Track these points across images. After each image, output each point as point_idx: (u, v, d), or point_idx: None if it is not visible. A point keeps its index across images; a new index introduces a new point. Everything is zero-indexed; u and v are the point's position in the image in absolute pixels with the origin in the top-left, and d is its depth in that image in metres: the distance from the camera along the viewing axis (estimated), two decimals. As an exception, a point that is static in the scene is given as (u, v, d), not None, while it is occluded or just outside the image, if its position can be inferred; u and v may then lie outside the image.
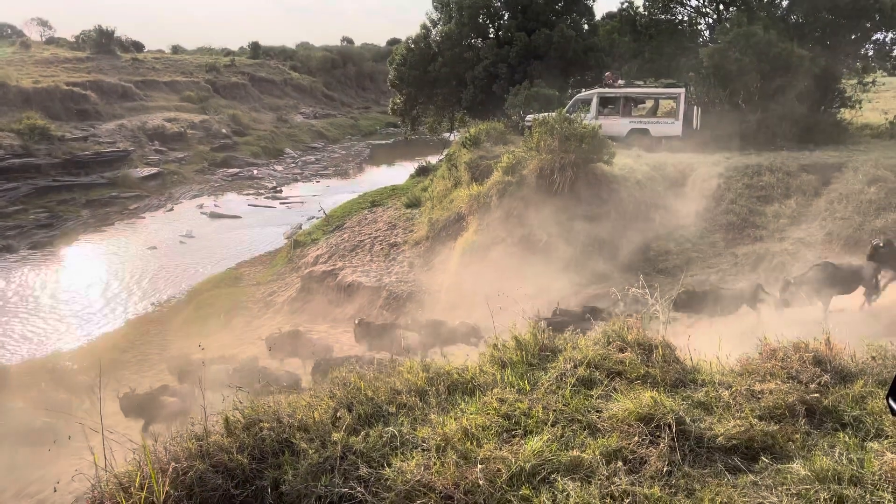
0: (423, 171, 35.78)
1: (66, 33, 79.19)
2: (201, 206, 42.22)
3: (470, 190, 21.54)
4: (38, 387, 17.25)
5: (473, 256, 19.88)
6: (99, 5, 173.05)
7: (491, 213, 20.43)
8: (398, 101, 39.24)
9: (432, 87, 36.90)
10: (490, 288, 18.59)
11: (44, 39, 74.59)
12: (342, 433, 4.58)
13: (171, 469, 4.26)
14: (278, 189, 48.36)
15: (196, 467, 4.39)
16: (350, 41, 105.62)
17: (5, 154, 38.72)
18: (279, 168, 55.02)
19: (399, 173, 43.77)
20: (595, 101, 26.28)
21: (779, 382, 5.11)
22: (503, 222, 19.94)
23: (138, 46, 74.32)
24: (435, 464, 4.24)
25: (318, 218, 33.25)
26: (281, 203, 44.49)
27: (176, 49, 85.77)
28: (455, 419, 4.81)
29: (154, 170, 45.84)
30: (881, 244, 14.66)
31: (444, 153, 35.38)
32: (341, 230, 27.77)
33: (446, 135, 41.74)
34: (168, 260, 31.53)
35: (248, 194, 46.36)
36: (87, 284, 27.91)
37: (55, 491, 9.01)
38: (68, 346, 22.14)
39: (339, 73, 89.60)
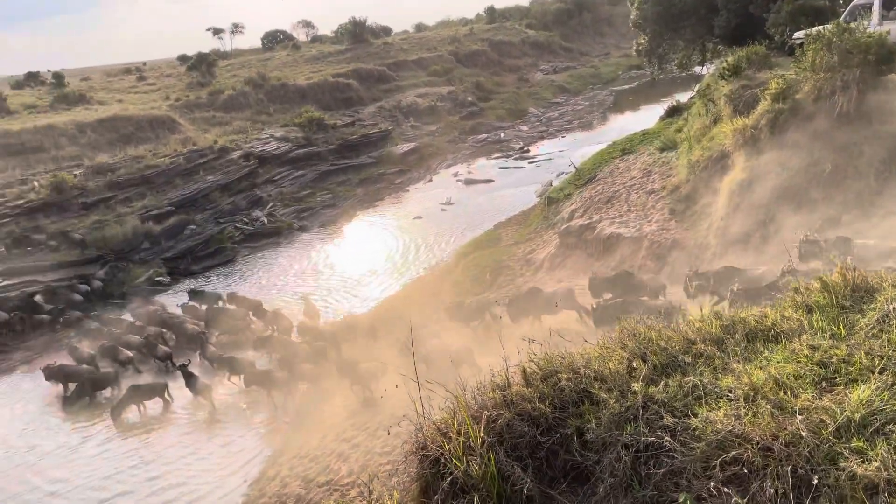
0: (674, 112, 33.67)
1: (327, 29, 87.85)
2: (456, 174, 44.54)
3: (734, 124, 19.75)
4: (352, 342, 19.95)
5: (743, 196, 18.34)
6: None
7: (761, 147, 18.59)
8: (642, 41, 37.36)
9: (679, 21, 34.46)
10: (766, 229, 17.15)
11: (309, 39, 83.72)
12: (640, 383, 4.56)
13: (483, 417, 4.61)
14: (525, 149, 49.14)
15: (503, 415, 4.69)
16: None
17: (293, 146, 44.55)
18: (524, 128, 55.81)
19: (647, 117, 41.80)
20: (877, 3, 22.41)
21: None
22: (776, 155, 18.04)
23: (387, 31, 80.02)
24: (746, 414, 4.04)
25: (567, 173, 33.14)
26: (529, 162, 45.22)
27: (419, 27, 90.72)
28: (761, 368, 4.54)
29: (412, 145, 49.32)
30: None
31: (696, 89, 32.97)
32: (593, 182, 27.34)
33: (697, 69, 38.84)
34: (432, 227, 33.91)
35: (497, 157, 47.83)
36: (369, 254, 31.14)
37: (388, 434, 10.32)
38: (359, 308, 24.98)
39: (574, 22, 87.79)
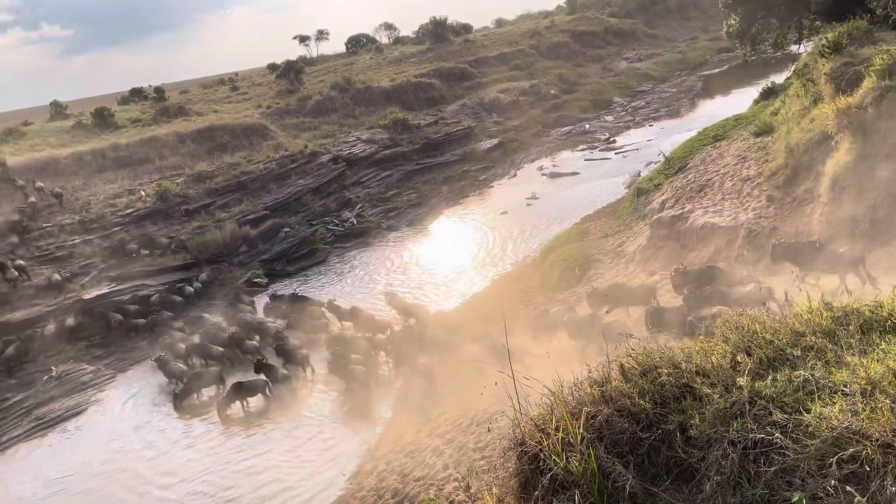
0: (769, 94, 32.22)
1: (408, 30, 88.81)
2: (541, 168, 44.16)
3: (836, 104, 18.62)
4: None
5: (849, 180, 17.32)
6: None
7: (868, 127, 17.47)
8: (732, 21, 35.68)
9: (772, -2, 32.76)
10: (875, 213, 16.15)
11: (391, 41, 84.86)
12: (746, 378, 4.41)
13: (582, 413, 4.57)
14: (611, 139, 48.16)
15: (602, 411, 4.64)
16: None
17: (379, 148, 45.44)
18: (609, 118, 54.70)
19: (738, 101, 40.16)
20: None
21: None
22: (885, 135, 16.93)
23: (467, 28, 79.97)
24: (864, 409, 3.84)
25: (656, 162, 32.28)
26: (616, 153, 44.28)
27: (499, 22, 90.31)
28: (879, 361, 4.29)
29: (495, 141, 49.25)
30: None
31: (793, 69, 31.35)
32: (684, 171, 26.49)
33: (793, 48, 36.86)
34: (518, 222, 33.81)
35: (581, 150, 47.10)
36: (456, 251, 31.41)
37: (489, 430, 10.46)
38: (449, 305, 25.23)
39: (659, 8, 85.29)
